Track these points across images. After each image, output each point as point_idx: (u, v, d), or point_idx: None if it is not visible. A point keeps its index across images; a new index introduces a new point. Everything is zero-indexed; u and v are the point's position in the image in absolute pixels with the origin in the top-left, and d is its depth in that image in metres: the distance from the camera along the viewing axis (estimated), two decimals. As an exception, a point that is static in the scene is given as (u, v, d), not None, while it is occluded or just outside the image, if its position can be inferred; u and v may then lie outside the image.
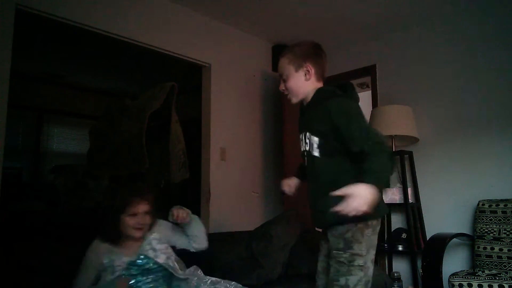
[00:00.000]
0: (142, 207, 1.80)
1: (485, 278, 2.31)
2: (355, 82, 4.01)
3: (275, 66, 4.16)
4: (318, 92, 1.59)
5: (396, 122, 3.18)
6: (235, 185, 3.64)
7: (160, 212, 1.93)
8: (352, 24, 3.69)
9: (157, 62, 4.02)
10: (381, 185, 1.37)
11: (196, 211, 3.52)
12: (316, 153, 1.55)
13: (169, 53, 3.31)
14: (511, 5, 3.02)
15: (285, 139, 3.70)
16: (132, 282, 1.73)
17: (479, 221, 2.82)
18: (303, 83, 1.61)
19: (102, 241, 1.79)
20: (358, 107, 1.53)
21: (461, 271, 2.55)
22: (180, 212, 1.86)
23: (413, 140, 3.32)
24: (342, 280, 1.48)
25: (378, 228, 1.56)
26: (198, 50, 3.49)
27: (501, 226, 2.72)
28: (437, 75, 3.36)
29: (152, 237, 1.85)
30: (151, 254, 1.80)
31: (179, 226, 1.95)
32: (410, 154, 3.36)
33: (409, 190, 3.24)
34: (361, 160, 1.40)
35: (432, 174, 3.30)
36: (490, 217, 2.78)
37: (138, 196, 1.81)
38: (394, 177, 3.46)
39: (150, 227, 1.86)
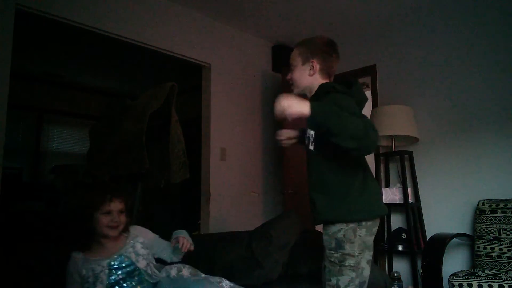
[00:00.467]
0: (116, 205, 1.75)
1: (485, 278, 2.31)
2: (355, 82, 4.00)
3: (275, 66, 4.17)
4: (320, 87, 1.61)
5: (396, 122, 3.18)
6: (235, 185, 3.64)
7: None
8: (352, 24, 3.70)
9: (157, 62, 4.02)
10: (320, 116, 1.34)
11: (196, 211, 3.53)
12: (311, 147, 1.58)
13: (169, 53, 3.31)
14: (511, 5, 3.02)
15: (285, 139, 3.69)
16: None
17: (479, 221, 2.82)
18: (306, 77, 1.64)
19: (77, 253, 1.72)
20: (354, 104, 1.50)
21: (461, 271, 2.55)
22: (185, 243, 1.79)
23: (413, 140, 3.32)
24: (333, 280, 1.48)
25: (374, 229, 1.54)
26: (198, 50, 3.50)
27: (501, 226, 2.72)
28: (437, 75, 3.35)
29: (137, 240, 1.81)
30: (133, 257, 1.75)
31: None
32: (410, 154, 3.36)
33: (409, 190, 3.24)
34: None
35: (432, 174, 3.30)
36: (490, 217, 2.78)
37: (111, 193, 1.76)
38: (394, 177, 3.47)
39: (126, 228, 1.81)
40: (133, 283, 1.72)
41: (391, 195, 3.28)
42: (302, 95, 1.66)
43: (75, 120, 5.58)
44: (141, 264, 1.76)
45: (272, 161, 4.02)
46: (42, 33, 3.73)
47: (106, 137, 3.52)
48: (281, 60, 4.13)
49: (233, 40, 3.82)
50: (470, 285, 2.30)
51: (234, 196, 3.62)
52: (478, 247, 2.76)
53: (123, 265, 1.72)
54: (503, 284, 2.20)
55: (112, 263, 1.71)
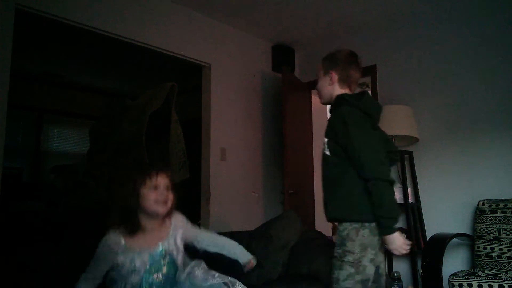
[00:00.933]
0: (163, 180, 1.67)
1: (485, 278, 2.31)
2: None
3: (275, 66, 4.16)
4: (336, 98, 1.75)
5: (396, 122, 3.18)
6: (235, 185, 3.64)
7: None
8: (352, 24, 3.69)
9: (157, 62, 4.02)
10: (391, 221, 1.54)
11: (196, 211, 3.53)
12: (327, 152, 1.69)
13: (169, 53, 3.31)
14: (511, 6, 3.02)
15: (285, 139, 3.70)
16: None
17: (479, 221, 2.82)
18: (326, 87, 1.79)
19: (117, 235, 1.61)
20: (359, 117, 1.63)
21: (461, 271, 2.55)
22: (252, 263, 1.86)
23: (413, 140, 3.32)
24: (335, 273, 1.61)
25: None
26: (198, 50, 3.49)
27: (501, 226, 2.72)
28: (437, 75, 3.35)
29: (177, 233, 1.73)
30: (174, 253, 1.69)
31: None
32: (410, 154, 3.36)
33: (409, 190, 3.24)
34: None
35: (432, 174, 3.30)
36: (490, 217, 2.78)
37: (157, 168, 1.70)
38: (394, 177, 3.46)
39: (172, 210, 1.72)
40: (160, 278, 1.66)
41: (391, 195, 3.28)
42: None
43: (75, 120, 5.58)
44: (179, 259, 1.71)
45: (272, 161, 4.02)
46: (42, 33, 3.73)
47: (106, 137, 3.52)
48: (281, 60, 4.13)
49: (233, 40, 3.82)
50: (470, 285, 2.30)
51: (234, 196, 3.61)
52: (478, 247, 2.76)
53: (163, 262, 1.66)
54: (503, 284, 2.20)
55: (153, 257, 1.64)
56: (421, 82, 3.44)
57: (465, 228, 3.02)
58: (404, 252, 1.55)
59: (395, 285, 3.06)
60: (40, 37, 3.86)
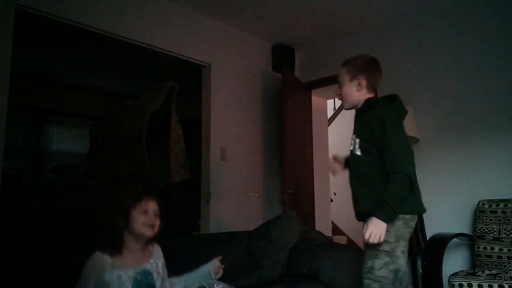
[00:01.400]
0: (153, 206, 1.77)
1: (485, 278, 2.31)
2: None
3: (275, 66, 4.16)
4: (366, 101, 1.80)
5: (396, 122, 3.18)
6: (235, 185, 3.64)
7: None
8: (352, 24, 3.69)
9: (157, 62, 4.01)
10: (392, 210, 1.59)
11: (196, 211, 3.53)
12: (358, 152, 1.75)
13: (169, 53, 3.31)
14: (511, 8, 3.02)
15: (285, 139, 3.70)
16: None
17: (479, 221, 2.82)
18: (354, 93, 1.81)
19: (103, 254, 1.67)
20: (396, 118, 1.71)
21: (461, 271, 2.55)
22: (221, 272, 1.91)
23: (413, 140, 3.32)
24: (369, 263, 1.66)
25: (412, 223, 1.69)
26: (198, 50, 3.49)
27: (501, 226, 2.72)
28: (438, 75, 3.35)
29: (159, 260, 1.84)
30: (155, 274, 1.77)
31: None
32: (410, 154, 3.35)
33: (409, 190, 3.24)
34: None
35: (432, 174, 3.30)
36: (490, 217, 2.78)
37: (148, 194, 1.79)
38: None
39: (156, 236, 1.81)
40: None
41: (391, 195, 3.28)
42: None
43: (75, 120, 5.57)
44: (158, 283, 1.77)
45: (272, 161, 4.02)
46: (42, 33, 3.73)
47: (106, 137, 3.53)
48: (281, 60, 4.13)
49: (233, 40, 3.82)
50: (470, 285, 2.30)
51: (234, 196, 3.61)
52: (478, 247, 2.76)
53: (147, 281, 1.73)
54: (503, 284, 2.20)
55: (139, 274, 1.71)
56: (421, 82, 3.44)
57: (465, 228, 3.02)
58: (372, 241, 1.58)
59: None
60: (40, 37, 3.86)
